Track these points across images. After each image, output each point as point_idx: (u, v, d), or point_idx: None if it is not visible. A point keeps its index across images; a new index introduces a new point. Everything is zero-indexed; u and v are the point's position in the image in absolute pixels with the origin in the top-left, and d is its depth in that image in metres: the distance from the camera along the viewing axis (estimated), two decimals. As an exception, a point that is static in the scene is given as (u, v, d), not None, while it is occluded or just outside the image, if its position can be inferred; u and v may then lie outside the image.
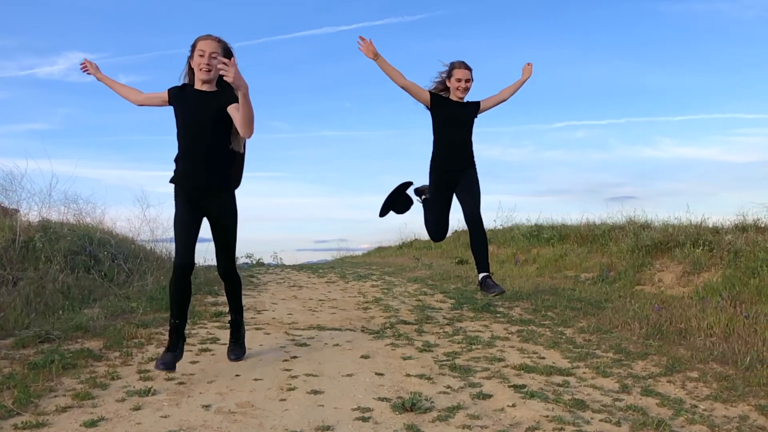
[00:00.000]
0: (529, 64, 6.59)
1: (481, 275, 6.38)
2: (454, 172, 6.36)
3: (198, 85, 4.55)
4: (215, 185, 4.53)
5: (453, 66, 6.34)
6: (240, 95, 4.00)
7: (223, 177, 4.57)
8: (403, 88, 6.20)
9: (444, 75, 6.43)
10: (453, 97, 6.34)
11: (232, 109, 4.32)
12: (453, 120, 6.32)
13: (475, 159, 6.46)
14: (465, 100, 6.38)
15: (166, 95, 4.63)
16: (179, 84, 4.67)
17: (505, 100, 6.50)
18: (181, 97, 4.58)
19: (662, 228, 10.57)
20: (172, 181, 4.58)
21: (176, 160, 4.58)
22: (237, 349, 5.03)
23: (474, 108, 6.41)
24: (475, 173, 6.43)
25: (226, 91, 4.35)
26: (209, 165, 4.49)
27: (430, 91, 6.33)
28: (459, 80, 6.24)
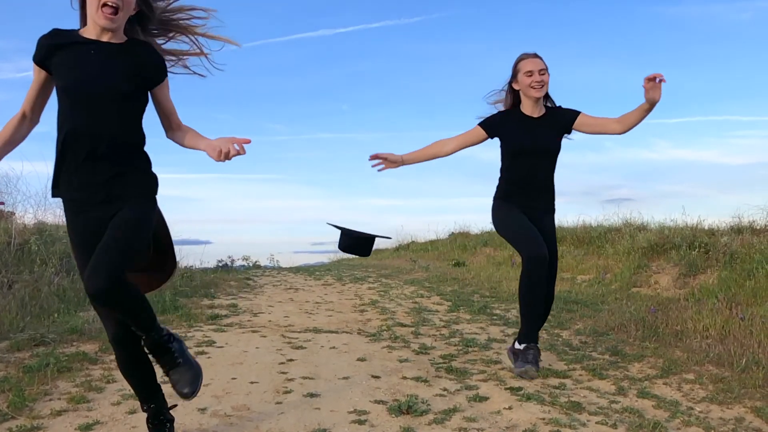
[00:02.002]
0: (652, 79, 4.02)
1: (524, 344, 4.51)
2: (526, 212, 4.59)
3: None
4: None
5: (517, 60, 4.59)
6: None
7: None
8: (455, 151, 4.74)
9: (508, 81, 4.70)
10: (526, 106, 4.60)
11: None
12: (525, 146, 4.55)
13: (555, 200, 4.77)
14: (549, 107, 4.69)
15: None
16: None
17: (617, 133, 4.38)
18: None
19: (658, 230, 10.58)
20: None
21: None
22: (182, 376, 3.14)
23: (564, 119, 4.58)
24: (553, 225, 4.75)
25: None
26: None
27: (479, 124, 4.66)
28: (530, 73, 4.47)
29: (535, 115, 4.58)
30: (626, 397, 4.14)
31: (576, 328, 6.42)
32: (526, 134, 4.52)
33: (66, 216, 2.96)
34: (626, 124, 4.30)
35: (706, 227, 10.17)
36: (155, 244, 3.08)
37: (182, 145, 3.09)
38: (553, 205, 4.74)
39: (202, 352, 5.22)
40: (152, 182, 3.04)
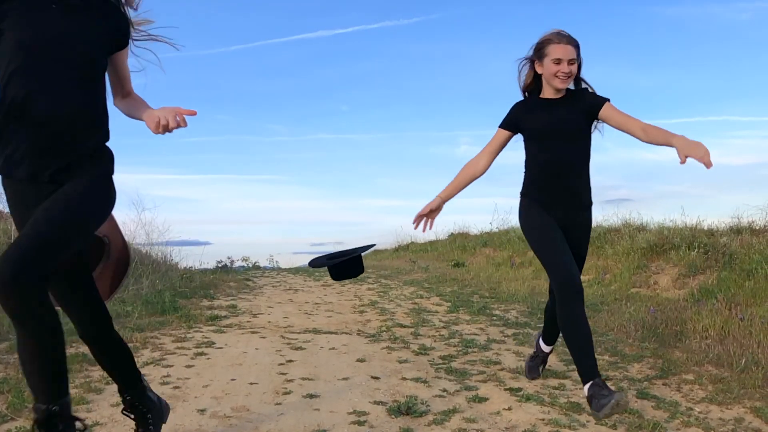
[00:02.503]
0: (694, 150, 3.25)
1: (587, 384, 3.63)
2: (557, 209, 3.96)
3: None
4: None
5: (546, 40, 3.94)
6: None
7: None
8: (490, 164, 4.23)
9: (530, 58, 4.08)
10: (546, 91, 4.02)
11: None
12: (545, 128, 3.98)
13: (590, 193, 4.09)
14: (571, 89, 4.05)
15: None
16: None
17: (638, 139, 3.76)
18: None
19: (658, 230, 10.58)
20: None
21: None
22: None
23: (588, 102, 3.94)
24: (586, 224, 4.09)
25: None
26: None
27: (500, 126, 4.13)
28: (557, 61, 3.85)
29: (556, 97, 3.99)
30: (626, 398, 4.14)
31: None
32: (545, 116, 3.96)
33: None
34: (650, 139, 3.68)
35: (706, 228, 10.16)
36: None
37: (127, 113, 2.79)
38: (587, 200, 4.04)
39: (202, 353, 5.22)
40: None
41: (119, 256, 3.03)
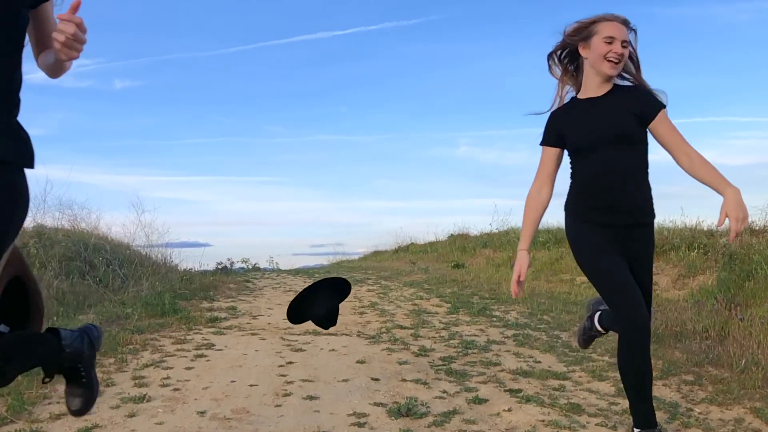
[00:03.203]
0: (736, 213, 2.90)
1: None
2: (610, 228, 3.26)
3: None
4: None
5: (596, 19, 3.26)
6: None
7: None
8: (552, 191, 3.52)
9: (573, 39, 3.34)
10: (589, 83, 3.31)
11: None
12: (589, 135, 3.26)
13: (652, 204, 3.35)
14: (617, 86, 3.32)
15: None
16: None
17: (681, 165, 3.14)
18: None
19: (657, 231, 10.57)
20: None
21: None
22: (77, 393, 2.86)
23: (643, 103, 3.22)
24: (648, 243, 3.34)
25: None
26: None
27: (542, 144, 3.45)
28: (609, 39, 3.17)
29: (599, 94, 3.29)
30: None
31: (575, 330, 6.41)
32: (590, 120, 3.26)
33: None
34: (694, 172, 3.08)
35: (705, 228, 10.17)
36: None
37: (46, 67, 2.18)
38: (649, 212, 3.32)
39: (202, 355, 5.22)
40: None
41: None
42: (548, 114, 3.49)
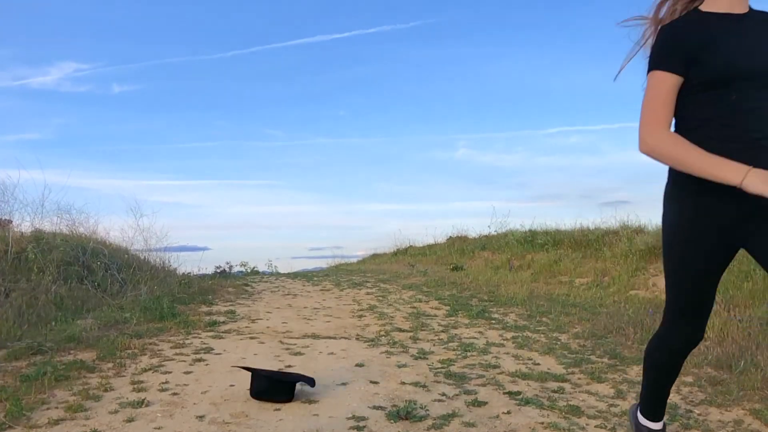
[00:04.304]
0: None
1: (645, 418, 3.06)
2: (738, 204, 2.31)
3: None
4: None
5: None
6: None
7: None
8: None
9: None
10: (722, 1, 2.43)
11: None
12: (742, 63, 2.32)
13: None
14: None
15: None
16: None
17: None
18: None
19: (656, 232, 10.58)
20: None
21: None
22: None
23: None
24: None
25: None
26: None
27: (659, 69, 2.38)
28: None
29: (742, 11, 2.42)
30: (625, 401, 4.14)
31: (574, 332, 6.41)
32: (736, 41, 2.35)
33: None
34: None
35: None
36: None
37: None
38: None
39: (200, 360, 5.21)
40: None
41: None
42: (667, 26, 2.46)
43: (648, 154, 2.37)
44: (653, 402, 3.03)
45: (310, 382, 4.26)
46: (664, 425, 3.05)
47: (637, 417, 3.10)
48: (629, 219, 12.19)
